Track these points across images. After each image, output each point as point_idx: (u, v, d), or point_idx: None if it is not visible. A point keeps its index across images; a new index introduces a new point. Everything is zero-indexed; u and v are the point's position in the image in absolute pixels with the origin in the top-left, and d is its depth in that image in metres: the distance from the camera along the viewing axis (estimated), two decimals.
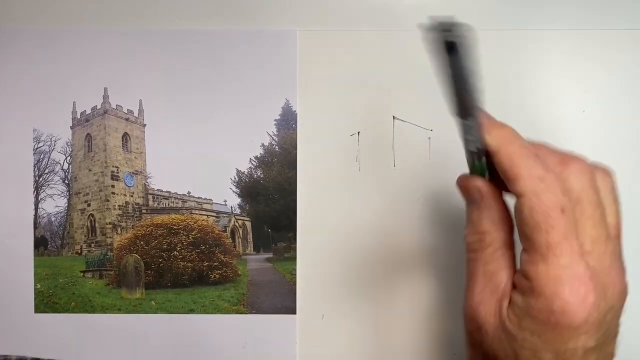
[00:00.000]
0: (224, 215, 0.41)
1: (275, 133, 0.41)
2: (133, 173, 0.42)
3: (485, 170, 0.29)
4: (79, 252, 0.42)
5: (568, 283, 0.25)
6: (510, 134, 0.28)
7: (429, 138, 0.40)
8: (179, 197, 0.41)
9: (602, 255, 0.27)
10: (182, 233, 0.41)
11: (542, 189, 0.26)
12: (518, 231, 0.27)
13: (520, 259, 0.27)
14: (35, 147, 0.41)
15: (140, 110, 0.41)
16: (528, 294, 0.26)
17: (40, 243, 0.41)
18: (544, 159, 0.27)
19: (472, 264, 0.29)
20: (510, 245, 0.28)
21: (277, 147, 0.41)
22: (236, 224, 0.42)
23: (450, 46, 0.22)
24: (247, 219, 0.42)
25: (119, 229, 0.42)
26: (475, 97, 0.25)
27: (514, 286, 0.27)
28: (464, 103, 0.26)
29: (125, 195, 0.42)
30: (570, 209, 0.26)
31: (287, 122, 0.40)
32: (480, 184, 0.28)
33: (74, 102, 0.41)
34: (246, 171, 0.41)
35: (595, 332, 0.26)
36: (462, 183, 0.29)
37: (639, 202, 0.40)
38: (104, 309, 0.41)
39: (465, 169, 0.40)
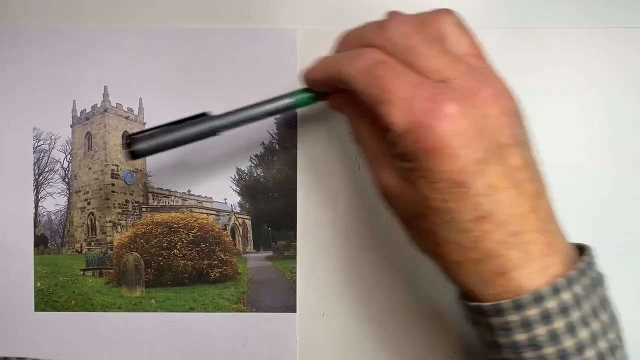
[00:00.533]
0: (224, 213, 0.42)
1: (276, 132, 0.41)
2: (133, 171, 0.42)
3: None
4: (79, 250, 0.42)
5: (416, 105, 0.24)
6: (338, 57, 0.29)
7: None
8: (179, 195, 0.41)
9: (461, 75, 0.26)
10: (182, 231, 0.41)
11: (352, 59, 0.27)
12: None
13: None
14: (35, 145, 0.41)
15: (141, 109, 0.41)
16: (395, 143, 0.26)
17: (40, 241, 0.41)
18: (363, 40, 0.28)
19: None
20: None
21: (277, 146, 0.41)
22: (236, 222, 0.42)
23: None
24: (247, 217, 0.42)
25: (119, 228, 0.42)
26: None
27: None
28: None
29: (125, 193, 0.42)
30: (393, 58, 0.26)
31: (287, 120, 0.40)
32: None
33: (73, 100, 0.41)
34: (246, 170, 0.41)
35: (477, 142, 0.25)
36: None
37: (639, 202, 0.40)
38: (104, 308, 0.41)
39: None
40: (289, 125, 0.40)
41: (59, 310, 0.41)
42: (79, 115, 0.41)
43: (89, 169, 0.42)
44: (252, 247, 0.42)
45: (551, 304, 0.25)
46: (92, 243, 0.42)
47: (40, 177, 0.41)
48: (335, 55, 0.30)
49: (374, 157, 0.30)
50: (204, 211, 0.41)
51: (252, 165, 0.41)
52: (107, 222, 0.42)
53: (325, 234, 0.40)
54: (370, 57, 0.27)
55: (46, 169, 0.41)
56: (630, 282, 0.40)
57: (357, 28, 0.30)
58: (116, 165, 0.42)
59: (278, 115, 0.41)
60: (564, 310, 0.26)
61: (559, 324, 0.26)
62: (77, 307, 0.41)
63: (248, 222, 0.42)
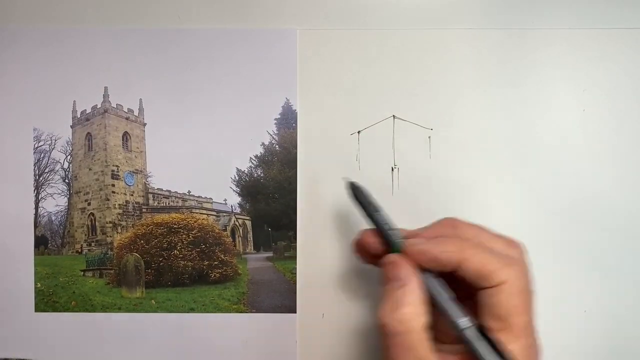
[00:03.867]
0: (224, 214, 0.42)
1: (276, 132, 0.41)
2: (133, 172, 0.42)
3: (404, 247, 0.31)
4: (79, 251, 0.42)
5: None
6: (460, 243, 0.29)
7: (429, 137, 0.40)
8: (179, 196, 0.41)
9: (535, 331, 0.29)
10: (183, 232, 0.41)
11: (515, 275, 0.28)
12: (485, 314, 0.28)
13: None
14: (36, 146, 0.41)
15: (141, 109, 0.41)
16: None
17: (40, 242, 0.41)
18: (492, 245, 0.30)
19: (394, 350, 0.28)
20: (428, 329, 0.29)
21: (277, 146, 0.41)
22: (236, 223, 0.42)
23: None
24: (247, 218, 0.42)
25: (119, 228, 0.42)
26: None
27: None
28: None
29: (125, 194, 0.42)
30: (531, 293, 0.29)
31: (287, 121, 0.40)
32: (407, 263, 0.30)
33: (74, 101, 0.41)
34: (246, 170, 0.41)
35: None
36: (391, 260, 0.31)
37: (639, 202, 0.40)
38: (104, 308, 0.41)
39: (465, 168, 0.41)
40: (289, 125, 0.40)
41: (59, 311, 0.41)
42: (79, 116, 0.41)
43: (89, 169, 0.42)
44: (252, 248, 0.42)
45: None
46: (93, 244, 0.42)
47: (41, 178, 0.41)
48: (492, 253, 0.29)
49: None
50: (204, 212, 0.41)
51: (252, 165, 0.41)
52: (107, 223, 0.42)
53: (325, 234, 0.40)
54: (528, 286, 0.29)
55: (46, 170, 0.41)
56: (630, 281, 0.40)
57: (487, 232, 0.31)
58: (116, 166, 0.42)
59: (278, 116, 0.41)
60: None
61: None
62: (77, 308, 0.41)
63: (248, 223, 0.42)
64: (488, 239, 0.30)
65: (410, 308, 0.28)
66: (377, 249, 0.32)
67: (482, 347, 0.28)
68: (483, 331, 0.28)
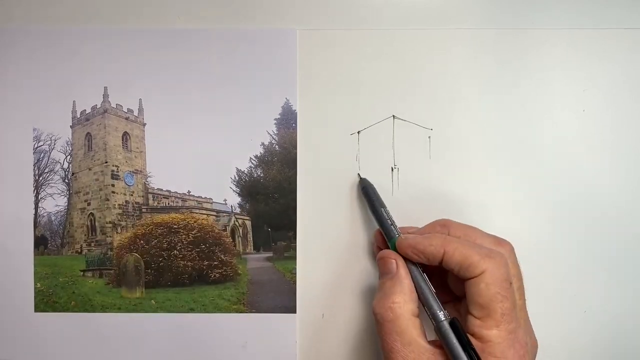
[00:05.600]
0: (224, 214, 0.42)
1: (275, 132, 0.41)
2: (133, 172, 0.42)
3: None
4: (79, 251, 0.42)
5: (514, 346, 0.30)
6: (445, 238, 0.32)
7: (429, 137, 0.40)
8: (179, 196, 0.41)
9: (526, 321, 0.32)
10: (182, 232, 0.41)
11: (495, 266, 0.30)
12: (469, 303, 0.31)
13: (469, 324, 0.31)
14: (36, 146, 0.41)
15: (140, 110, 0.41)
16: (483, 356, 0.29)
17: (40, 242, 0.41)
18: (481, 242, 0.33)
19: (386, 336, 0.32)
20: (416, 315, 0.32)
21: (277, 147, 0.41)
22: (236, 223, 0.42)
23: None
24: (247, 218, 0.42)
25: (119, 228, 0.42)
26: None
27: None
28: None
29: (125, 194, 0.42)
30: (511, 282, 0.31)
31: (287, 121, 0.40)
32: (397, 257, 0.34)
33: (73, 101, 0.41)
34: (246, 170, 0.41)
35: None
36: (382, 254, 0.35)
37: (639, 202, 0.40)
38: (104, 308, 0.41)
39: (465, 168, 0.41)
40: (289, 125, 0.40)
41: (59, 311, 0.41)
42: (79, 116, 0.41)
43: (89, 169, 0.42)
44: (252, 248, 0.42)
45: None
46: (92, 244, 0.42)
47: (41, 178, 0.41)
48: (477, 246, 0.32)
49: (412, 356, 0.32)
50: (204, 212, 0.41)
51: (252, 165, 0.41)
52: (107, 223, 0.42)
53: (325, 234, 0.40)
54: (507, 276, 0.31)
55: (46, 170, 0.41)
56: (630, 281, 0.40)
57: (479, 231, 0.34)
58: (116, 166, 0.42)
59: (278, 116, 0.41)
60: None
61: None
62: (77, 308, 0.41)
63: (248, 223, 0.42)
64: (477, 237, 0.33)
65: (398, 297, 0.32)
66: (382, 243, 0.36)
67: (451, 339, 0.30)
68: (455, 326, 0.30)
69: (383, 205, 0.37)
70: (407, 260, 0.34)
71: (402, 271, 0.33)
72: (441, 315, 0.31)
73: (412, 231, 0.36)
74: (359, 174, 0.40)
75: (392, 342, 0.31)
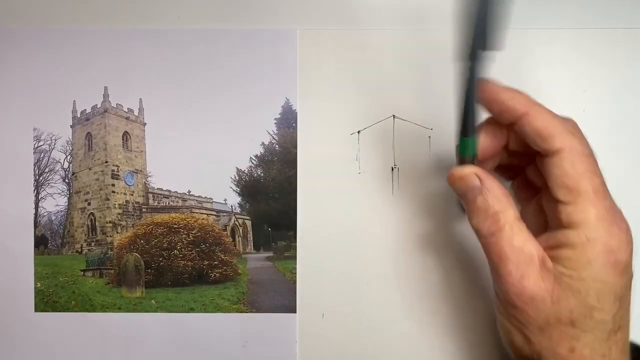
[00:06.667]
0: (224, 214, 0.42)
1: (276, 132, 0.41)
2: (133, 172, 0.42)
3: (476, 150, 0.30)
4: (79, 251, 0.42)
5: (616, 222, 0.27)
6: (531, 100, 0.29)
7: (429, 137, 0.40)
8: (179, 195, 0.41)
9: (610, 196, 0.29)
10: (183, 232, 0.41)
11: (577, 141, 0.28)
12: (554, 187, 0.28)
13: (559, 215, 0.28)
14: (36, 146, 0.41)
15: (141, 109, 0.41)
16: (580, 244, 0.27)
17: (40, 242, 0.41)
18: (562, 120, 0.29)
19: (495, 247, 0.29)
20: (519, 218, 0.29)
21: (277, 146, 0.41)
22: (236, 222, 0.42)
23: None
24: (247, 217, 0.42)
25: (119, 228, 0.42)
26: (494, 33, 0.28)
27: (552, 247, 0.28)
28: (484, 36, 0.28)
29: (125, 194, 0.42)
30: (595, 158, 0.28)
31: (287, 121, 0.40)
32: (476, 169, 0.30)
33: (74, 100, 0.41)
34: (246, 170, 0.41)
35: (630, 269, 0.28)
36: (457, 174, 0.30)
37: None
38: (104, 308, 0.41)
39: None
40: (289, 125, 0.40)
41: (59, 311, 0.41)
42: (79, 116, 0.41)
43: (89, 169, 0.42)
44: (252, 248, 0.42)
45: None
46: (93, 243, 0.42)
47: (41, 178, 0.41)
48: (558, 117, 0.30)
49: (524, 261, 0.29)
50: (204, 211, 0.41)
51: (252, 165, 0.41)
52: (107, 223, 0.42)
53: (325, 234, 0.40)
54: (591, 152, 0.29)
55: (46, 170, 0.41)
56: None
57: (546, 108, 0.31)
58: (116, 165, 0.42)
59: (278, 115, 0.41)
60: None
61: None
62: (77, 308, 0.41)
63: (248, 223, 0.42)
64: (557, 116, 0.30)
65: (497, 206, 0.29)
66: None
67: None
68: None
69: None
70: None
71: (489, 181, 0.29)
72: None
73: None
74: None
75: (501, 252, 0.28)
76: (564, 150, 0.28)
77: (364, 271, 0.40)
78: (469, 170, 0.30)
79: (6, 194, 0.41)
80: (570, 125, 0.29)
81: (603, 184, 0.28)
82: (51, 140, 0.41)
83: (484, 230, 0.29)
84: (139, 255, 0.41)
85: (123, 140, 0.42)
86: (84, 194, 0.42)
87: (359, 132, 0.40)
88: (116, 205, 0.42)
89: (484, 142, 0.31)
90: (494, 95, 0.29)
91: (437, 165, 0.40)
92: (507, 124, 0.30)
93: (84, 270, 0.41)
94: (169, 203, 0.41)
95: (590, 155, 0.28)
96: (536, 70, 0.40)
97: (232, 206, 0.41)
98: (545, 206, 0.31)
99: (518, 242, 0.28)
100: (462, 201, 0.31)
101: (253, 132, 0.41)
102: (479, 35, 0.28)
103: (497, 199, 0.29)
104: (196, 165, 0.41)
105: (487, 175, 0.30)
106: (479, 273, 0.40)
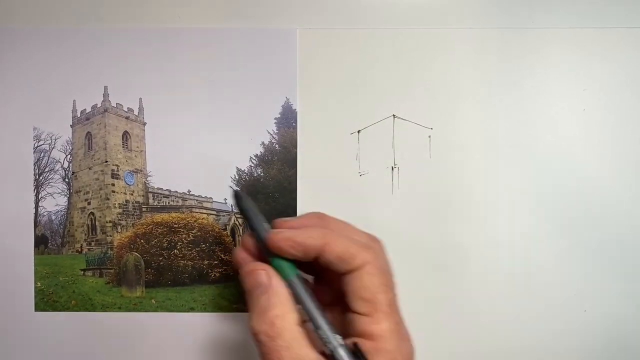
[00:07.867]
0: (224, 213, 0.42)
1: (276, 131, 0.41)
2: (133, 171, 0.42)
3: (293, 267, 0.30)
4: (79, 250, 0.42)
5: (404, 338, 0.29)
6: (324, 231, 0.30)
7: (429, 136, 0.40)
8: (179, 195, 0.41)
9: (400, 312, 0.30)
10: (183, 231, 0.41)
11: (375, 256, 0.29)
12: (352, 300, 0.29)
13: (354, 325, 0.29)
14: (36, 145, 0.41)
15: (141, 109, 0.41)
16: (374, 353, 0.27)
17: (40, 241, 0.41)
18: (356, 237, 0.31)
19: (272, 355, 0.27)
20: (302, 323, 0.29)
21: (277, 146, 0.41)
22: (236, 222, 0.42)
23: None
24: None
25: (119, 228, 0.42)
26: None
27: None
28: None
29: (125, 193, 0.42)
30: (391, 274, 0.30)
31: (287, 120, 0.40)
32: (267, 267, 0.30)
33: (74, 100, 0.41)
34: (246, 169, 0.41)
35: None
36: (250, 268, 0.30)
37: (639, 202, 0.40)
38: (104, 308, 0.41)
39: (465, 168, 0.41)
40: (289, 125, 0.40)
41: (59, 310, 0.41)
42: (79, 115, 0.41)
43: (89, 169, 0.42)
44: None
45: None
46: (93, 243, 0.42)
47: (41, 177, 0.41)
48: (353, 240, 0.30)
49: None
50: (204, 211, 0.41)
51: (252, 165, 0.41)
52: (107, 222, 0.42)
53: None
54: (388, 268, 0.31)
55: (46, 169, 0.41)
56: (630, 281, 0.40)
57: (352, 227, 0.32)
58: (116, 165, 0.42)
59: (278, 115, 0.41)
60: None
61: None
62: (77, 307, 0.41)
63: None
64: (351, 232, 0.31)
65: (278, 309, 0.28)
66: (252, 249, 0.32)
67: None
68: (354, 350, 0.27)
69: (257, 214, 0.32)
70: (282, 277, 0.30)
71: (275, 281, 0.29)
72: (339, 339, 0.28)
73: (284, 223, 0.32)
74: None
75: (281, 358, 0.27)
76: (365, 265, 0.29)
77: None
78: (260, 267, 0.30)
79: (6, 194, 0.41)
80: (369, 240, 0.31)
81: (395, 298, 0.29)
82: (51, 139, 0.41)
83: (263, 332, 0.28)
84: (139, 255, 0.41)
85: (123, 139, 0.42)
86: (84, 194, 0.42)
87: (359, 131, 0.40)
88: (116, 205, 0.42)
89: None
90: (292, 240, 0.29)
91: (437, 165, 0.40)
92: (313, 259, 0.30)
93: (84, 270, 0.41)
94: (169, 203, 0.41)
95: (387, 271, 0.30)
96: (536, 69, 0.40)
97: (232, 206, 0.41)
98: (338, 316, 0.31)
99: (298, 351, 0.27)
100: (248, 298, 0.30)
101: (253, 131, 0.41)
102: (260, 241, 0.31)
103: (281, 302, 0.29)
104: (196, 164, 0.41)
105: (276, 276, 0.30)
106: (479, 273, 0.40)
